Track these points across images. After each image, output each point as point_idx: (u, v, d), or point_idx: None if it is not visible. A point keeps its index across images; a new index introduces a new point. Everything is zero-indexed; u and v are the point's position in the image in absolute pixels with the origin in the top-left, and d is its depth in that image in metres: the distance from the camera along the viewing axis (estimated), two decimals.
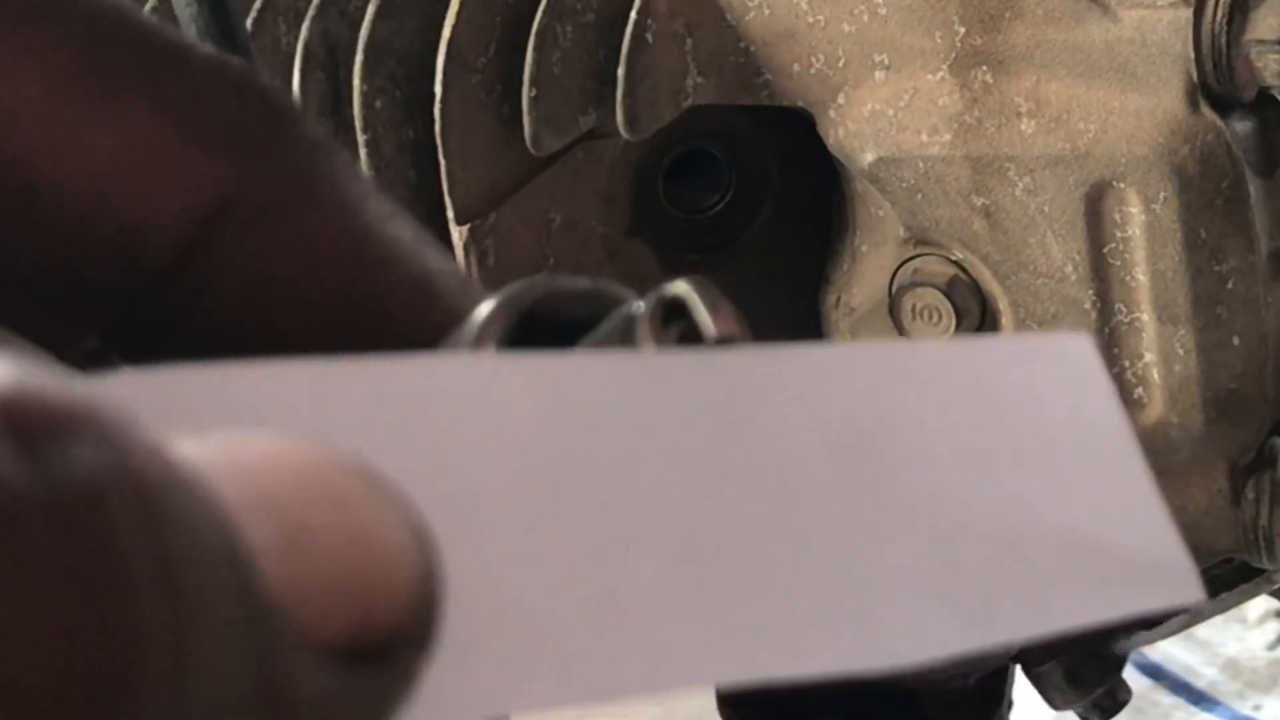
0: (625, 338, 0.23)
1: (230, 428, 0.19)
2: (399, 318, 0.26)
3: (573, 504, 0.22)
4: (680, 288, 0.23)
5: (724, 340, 0.23)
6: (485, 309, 0.24)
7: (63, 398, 0.17)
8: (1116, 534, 0.25)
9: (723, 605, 0.22)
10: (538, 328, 0.24)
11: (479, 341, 0.24)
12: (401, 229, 0.26)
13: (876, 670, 0.23)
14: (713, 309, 0.23)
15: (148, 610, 0.17)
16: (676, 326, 0.23)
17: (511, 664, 0.21)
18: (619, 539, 0.22)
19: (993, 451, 0.25)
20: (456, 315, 0.25)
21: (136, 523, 0.17)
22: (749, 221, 0.99)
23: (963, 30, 0.87)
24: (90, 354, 0.26)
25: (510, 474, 0.21)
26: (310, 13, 0.94)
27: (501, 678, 0.21)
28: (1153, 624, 0.92)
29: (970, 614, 0.24)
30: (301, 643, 0.19)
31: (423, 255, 0.26)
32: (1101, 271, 0.87)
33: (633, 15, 0.89)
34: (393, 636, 0.19)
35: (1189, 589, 0.26)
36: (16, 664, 0.16)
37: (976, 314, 0.91)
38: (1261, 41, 0.82)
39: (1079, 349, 0.26)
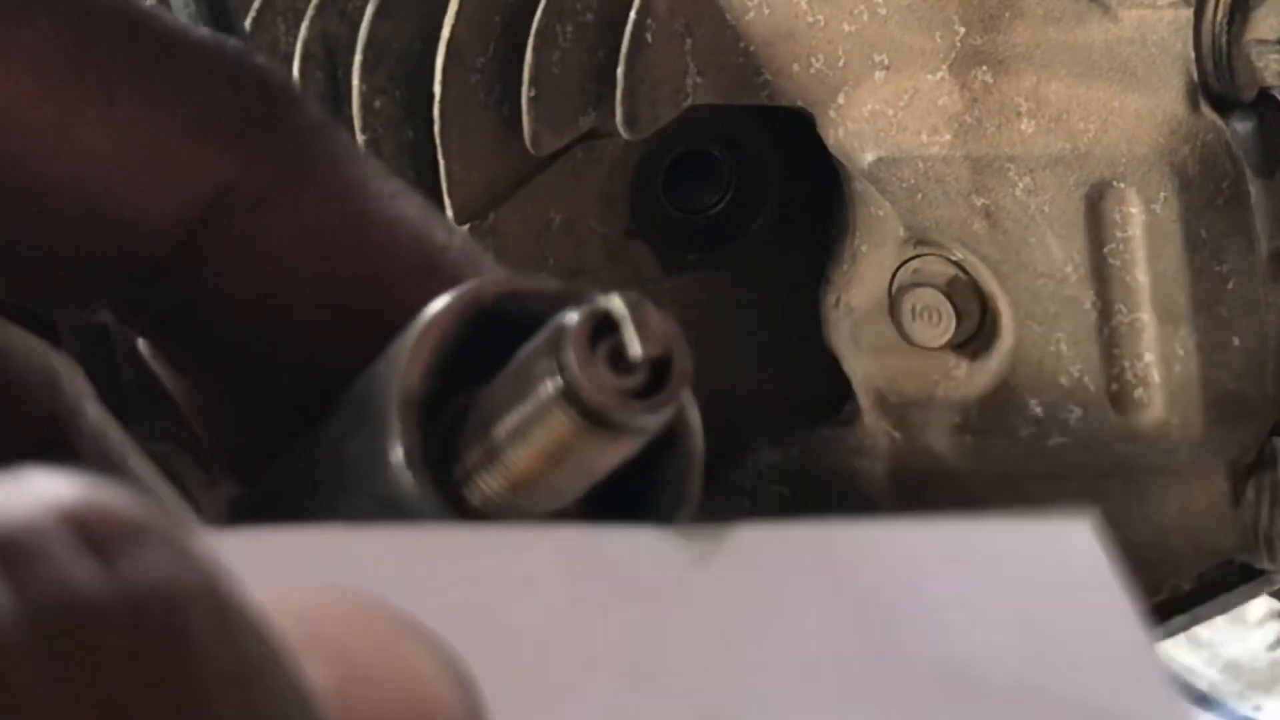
0: (554, 349, 0.23)
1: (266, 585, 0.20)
2: (404, 298, 0.25)
3: (602, 664, 0.22)
4: (613, 303, 0.23)
5: (652, 361, 0.23)
6: (440, 303, 0.24)
7: (128, 509, 0.17)
8: (1120, 706, 0.25)
9: None
10: (498, 325, 0.24)
11: (425, 333, 0.23)
12: (406, 207, 0.26)
13: None
14: (642, 328, 0.23)
15: (223, 715, 0.17)
16: (606, 343, 0.23)
17: None
18: (644, 701, 0.22)
19: (1002, 627, 0.25)
20: None
21: (212, 626, 0.17)
22: (749, 221, 0.99)
23: (963, 30, 0.87)
24: (100, 329, 0.26)
25: (542, 634, 0.22)
26: (310, 13, 0.94)
27: None
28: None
29: None
30: None
31: (429, 233, 0.26)
32: (1101, 271, 0.87)
33: (632, 15, 0.89)
34: None
35: None
36: None
37: (976, 314, 0.91)
38: (1261, 41, 0.82)
39: (1079, 536, 0.26)
